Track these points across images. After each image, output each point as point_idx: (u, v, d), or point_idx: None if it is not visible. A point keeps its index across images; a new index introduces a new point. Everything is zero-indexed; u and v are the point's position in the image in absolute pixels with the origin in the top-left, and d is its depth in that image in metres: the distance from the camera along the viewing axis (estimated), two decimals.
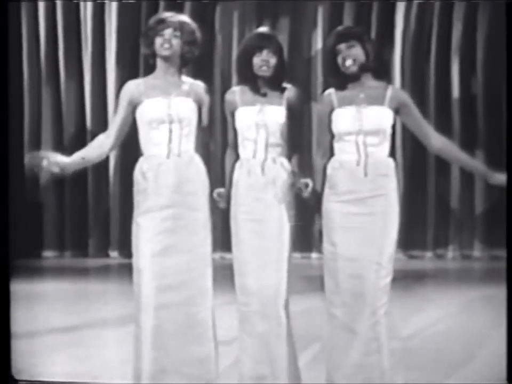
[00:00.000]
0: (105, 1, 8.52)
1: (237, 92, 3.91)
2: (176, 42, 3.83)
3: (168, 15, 3.89)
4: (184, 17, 3.90)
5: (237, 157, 3.90)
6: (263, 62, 3.82)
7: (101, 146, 3.88)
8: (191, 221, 3.81)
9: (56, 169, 3.76)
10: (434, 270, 8.17)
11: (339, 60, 3.74)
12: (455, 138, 8.39)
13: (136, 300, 3.75)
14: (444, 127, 8.31)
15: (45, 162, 3.74)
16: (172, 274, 3.74)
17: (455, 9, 8.50)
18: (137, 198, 3.83)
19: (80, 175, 8.03)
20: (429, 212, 8.60)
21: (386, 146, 3.78)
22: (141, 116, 3.86)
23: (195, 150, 3.88)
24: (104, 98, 8.74)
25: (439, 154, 3.85)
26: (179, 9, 8.47)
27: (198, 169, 3.86)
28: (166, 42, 3.81)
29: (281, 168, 3.85)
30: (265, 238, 3.79)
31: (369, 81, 3.80)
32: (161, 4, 8.60)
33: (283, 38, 8.35)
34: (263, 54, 3.82)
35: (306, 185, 3.67)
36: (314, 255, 7.87)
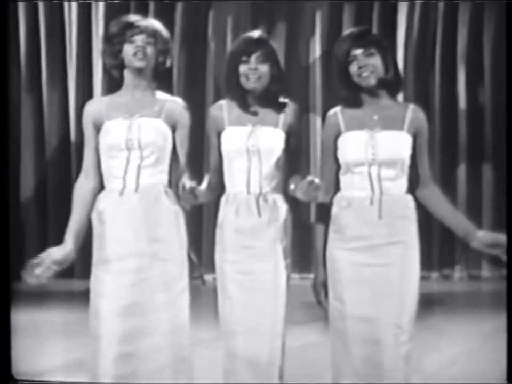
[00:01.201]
0: (92, 1, 8.14)
1: (224, 107, 3.32)
2: (150, 51, 3.23)
3: (135, 18, 3.29)
4: (157, 23, 3.30)
5: (220, 187, 3.31)
6: (250, 70, 3.22)
7: (85, 196, 3.26)
8: (159, 274, 3.18)
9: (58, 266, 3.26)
10: (442, 293, 7.75)
11: (353, 68, 3.16)
12: (461, 151, 8.30)
13: (93, 371, 3.12)
14: (449, 139, 8.35)
15: (42, 269, 3.23)
16: (137, 341, 3.12)
17: (459, 12, 8.24)
18: (95, 245, 3.25)
19: (64, 190, 7.72)
20: (434, 230, 8.19)
21: (404, 181, 3.21)
22: (101, 141, 3.26)
23: (169, 184, 3.26)
24: None
25: (424, 203, 3.27)
26: (170, 12, 8.39)
27: (167, 209, 3.22)
28: (140, 51, 3.21)
29: (275, 207, 3.28)
30: (257, 293, 3.24)
31: (384, 100, 3.21)
32: (151, 4, 8.29)
33: (279, 45, 8.22)
34: (251, 61, 3.23)
35: (311, 182, 3.00)
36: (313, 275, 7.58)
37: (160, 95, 3.33)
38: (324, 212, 3.27)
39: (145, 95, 3.29)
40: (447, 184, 8.11)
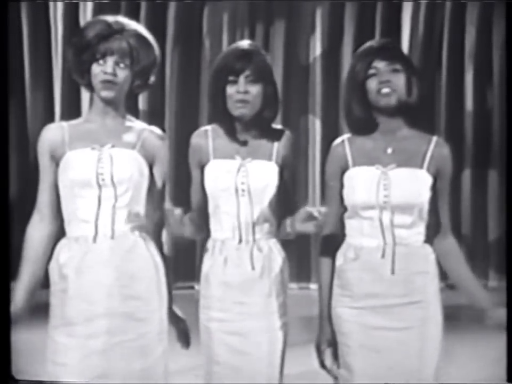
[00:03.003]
0: (79, 1, 7.76)
1: (209, 134, 2.86)
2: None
3: (116, 26, 2.71)
4: (138, 29, 2.75)
5: (205, 229, 2.85)
6: (239, 94, 2.75)
7: (40, 244, 2.77)
8: (137, 337, 2.70)
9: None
10: (448, 307, 7.41)
11: (371, 83, 2.66)
12: (468, 156, 8.07)
13: None
14: (455, 143, 8.02)
15: None
16: None
17: (467, 11, 7.98)
18: (53, 302, 2.74)
19: None
20: None
21: (422, 229, 2.74)
22: (62, 176, 2.75)
23: (146, 230, 2.79)
24: (78, 114, 7.83)
25: (439, 256, 2.83)
26: (162, 9, 8.07)
27: (146, 260, 2.74)
28: (108, 79, 2.70)
29: (270, 256, 2.83)
30: (249, 358, 2.80)
31: (402, 129, 2.73)
32: (143, 4, 7.98)
33: (278, 43, 7.97)
34: (239, 82, 2.75)
35: (317, 214, 2.60)
36: (313, 285, 7.38)
37: (134, 122, 2.86)
38: (331, 244, 2.79)
39: (117, 122, 2.81)
40: (451, 191, 7.95)
